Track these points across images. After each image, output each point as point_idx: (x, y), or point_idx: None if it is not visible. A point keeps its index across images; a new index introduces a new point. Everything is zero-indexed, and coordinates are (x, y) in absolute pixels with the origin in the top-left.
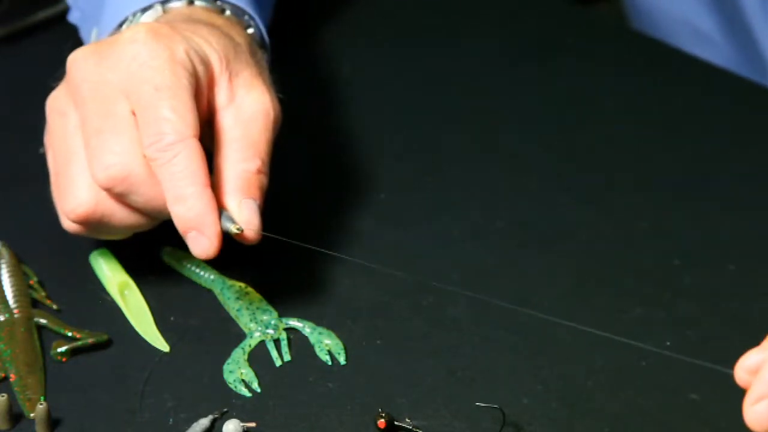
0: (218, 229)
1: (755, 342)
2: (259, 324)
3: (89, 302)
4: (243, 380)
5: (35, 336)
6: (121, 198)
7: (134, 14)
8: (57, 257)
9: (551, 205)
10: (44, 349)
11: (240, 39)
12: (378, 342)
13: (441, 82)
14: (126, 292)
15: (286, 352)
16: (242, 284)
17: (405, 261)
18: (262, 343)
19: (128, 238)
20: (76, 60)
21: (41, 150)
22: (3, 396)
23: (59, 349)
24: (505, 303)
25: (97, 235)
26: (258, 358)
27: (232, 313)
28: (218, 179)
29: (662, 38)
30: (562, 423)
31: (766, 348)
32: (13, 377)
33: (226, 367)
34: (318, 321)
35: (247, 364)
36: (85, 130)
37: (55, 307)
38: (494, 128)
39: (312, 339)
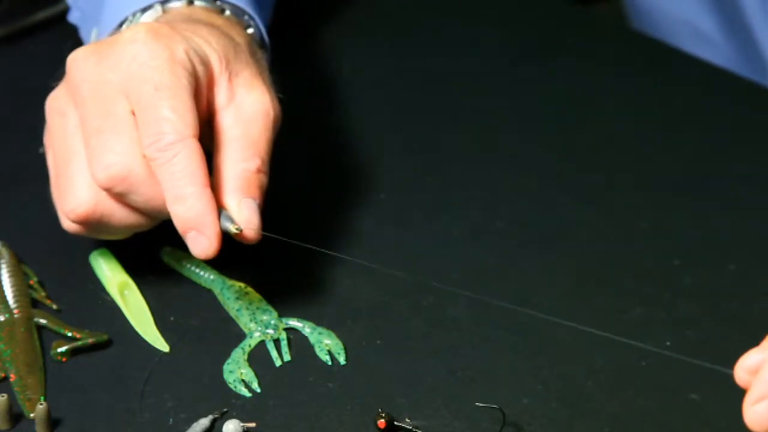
0: (218, 229)
1: (755, 342)
2: (259, 324)
3: (89, 302)
4: (243, 380)
5: (35, 336)
6: (120, 198)
7: (134, 14)
8: (57, 257)
9: (551, 205)
10: (44, 349)
11: (240, 39)
12: (378, 342)
13: (441, 82)
14: (126, 292)
15: (286, 352)
16: (242, 284)
17: (405, 261)
18: (262, 343)
19: (128, 238)
20: (75, 60)
21: (41, 150)
22: (3, 396)
23: (59, 349)
24: (505, 303)
25: (96, 235)
26: (258, 358)
27: (232, 313)
28: (218, 179)
29: (662, 38)
30: (562, 423)
31: (765, 348)
32: (13, 377)
33: (226, 367)
34: (318, 321)
35: (247, 364)
36: (84, 129)
37: (55, 307)
38: (494, 128)
39: (312, 339)
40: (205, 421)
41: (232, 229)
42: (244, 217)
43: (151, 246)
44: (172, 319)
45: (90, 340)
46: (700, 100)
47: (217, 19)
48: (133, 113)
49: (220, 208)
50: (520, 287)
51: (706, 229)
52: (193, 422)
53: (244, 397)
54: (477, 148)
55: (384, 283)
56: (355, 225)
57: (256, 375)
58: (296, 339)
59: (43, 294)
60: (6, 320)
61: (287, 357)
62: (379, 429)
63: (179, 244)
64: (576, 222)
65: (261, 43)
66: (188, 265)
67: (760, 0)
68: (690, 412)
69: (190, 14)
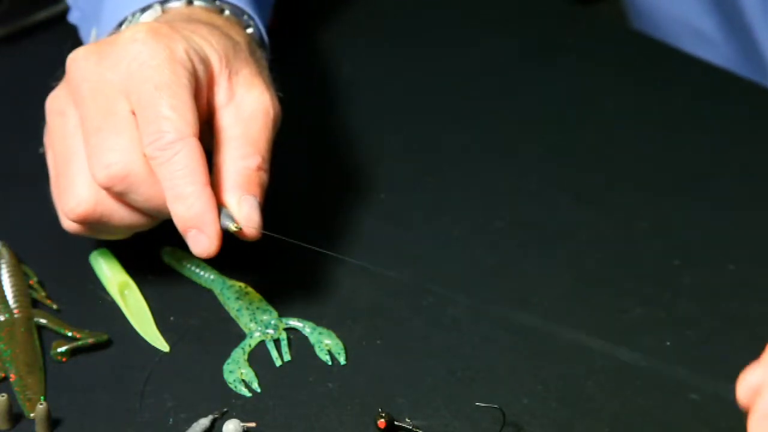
0: (218, 227)
1: (755, 342)
2: (259, 324)
3: (89, 302)
4: (243, 380)
5: (35, 336)
6: (120, 197)
7: (133, 14)
8: (57, 257)
9: (551, 205)
10: (44, 349)
11: (239, 38)
12: (378, 342)
13: (441, 82)
14: (126, 292)
15: (286, 352)
16: (242, 284)
17: (405, 261)
18: (262, 343)
19: (128, 238)
20: (75, 60)
21: (41, 150)
22: (3, 396)
23: (59, 349)
24: (499, 306)
25: (96, 235)
26: (258, 358)
27: (232, 313)
28: (218, 177)
29: (662, 38)
30: (562, 423)
31: (766, 363)
32: (13, 377)
33: (226, 367)
34: (318, 321)
35: (247, 364)
36: (84, 129)
37: (55, 307)
38: (494, 128)
39: (312, 339)
40: (205, 421)
41: (232, 227)
42: (244, 213)
43: (151, 246)
44: (172, 319)
45: (90, 340)
46: (700, 100)
47: (217, 19)
48: (133, 113)
49: (220, 206)
50: (520, 287)
51: (706, 229)
52: (193, 422)
53: (244, 397)
54: (477, 148)
55: (384, 283)
56: (355, 225)
57: (256, 375)
58: (296, 339)
59: (43, 294)
60: (6, 320)
61: (287, 357)
62: (379, 429)
63: (179, 244)
64: (576, 222)
65: (260, 43)
66: (188, 265)
67: (760, 0)
68: (690, 412)
69: (189, 14)
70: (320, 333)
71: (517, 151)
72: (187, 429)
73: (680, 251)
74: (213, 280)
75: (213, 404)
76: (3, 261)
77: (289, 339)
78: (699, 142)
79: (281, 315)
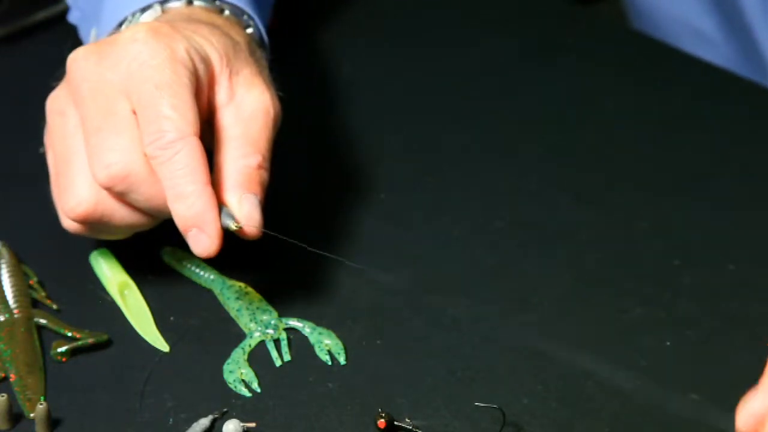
0: (219, 227)
1: (755, 342)
2: (259, 324)
3: (89, 302)
4: (243, 380)
5: (35, 336)
6: (121, 197)
7: (133, 14)
8: (57, 257)
9: (551, 205)
10: (44, 349)
11: (239, 38)
12: (378, 342)
13: (441, 82)
14: (126, 292)
15: (286, 352)
16: (242, 284)
17: (405, 261)
18: (262, 343)
19: (128, 238)
20: (76, 59)
21: (41, 150)
22: (3, 396)
23: (59, 349)
24: (500, 306)
25: (97, 235)
26: (258, 358)
27: (232, 313)
28: (219, 175)
29: (662, 38)
30: (562, 423)
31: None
32: (13, 377)
33: (226, 367)
34: (318, 321)
35: (247, 364)
36: (85, 129)
37: (55, 307)
38: (494, 128)
39: (312, 339)
40: (205, 421)
41: (233, 226)
42: (245, 212)
43: (151, 246)
44: (172, 319)
45: (90, 340)
46: (700, 100)
47: (217, 19)
48: (134, 113)
49: (220, 206)
50: (520, 287)
51: (706, 229)
52: (193, 422)
53: (244, 397)
54: (477, 148)
55: (384, 283)
56: (355, 225)
57: (256, 375)
58: (296, 339)
59: (43, 294)
60: (6, 320)
61: (287, 357)
62: (379, 429)
63: (179, 244)
64: (576, 222)
65: (260, 43)
66: (188, 265)
67: (760, 0)
68: (690, 412)
69: (189, 14)
70: (320, 333)
71: (517, 151)
72: (187, 429)
73: (680, 251)
74: (213, 280)
75: (213, 404)
76: (3, 261)
77: (289, 339)
78: (699, 142)
79: (281, 315)
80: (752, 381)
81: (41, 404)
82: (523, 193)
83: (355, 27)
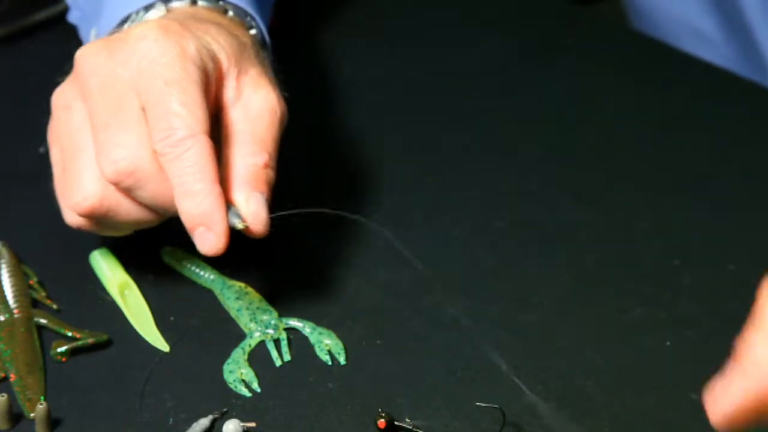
0: (226, 225)
1: None
2: (259, 324)
3: (89, 302)
4: (243, 380)
5: (35, 336)
6: (128, 193)
7: (137, 12)
8: (57, 257)
9: (551, 205)
10: (44, 349)
11: (245, 39)
12: (378, 342)
13: (441, 82)
14: (126, 292)
15: (286, 352)
16: (242, 284)
17: (405, 261)
18: (262, 343)
19: (128, 238)
20: (84, 55)
21: (41, 150)
22: (3, 396)
23: (59, 349)
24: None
25: (101, 231)
26: (258, 358)
27: (232, 313)
28: (225, 173)
29: (662, 38)
30: (562, 423)
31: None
32: (13, 377)
33: (226, 367)
34: (318, 321)
35: (247, 364)
36: (93, 124)
37: (55, 307)
38: (494, 128)
39: (312, 339)
40: (205, 421)
41: (239, 224)
42: (252, 210)
43: (151, 246)
44: (172, 319)
45: (90, 340)
46: (700, 100)
47: (222, 20)
48: (143, 109)
49: (227, 204)
50: (520, 287)
51: (706, 229)
52: (193, 422)
53: (244, 397)
54: (477, 148)
55: (384, 283)
56: (355, 225)
57: (256, 375)
58: (296, 339)
59: (43, 294)
60: (6, 320)
61: (287, 357)
62: (379, 429)
63: (179, 244)
64: (576, 222)
65: (263, 44)
66: (188, 265)
67: (760, 0)
68: (690, 412)
69: (194, 14)
70: (320, 333)
71: (517, 151)
72: (187, 429)
73: (680, 251)
74: (213, 280)
75: (213, 404)
76: (3, 261)
77: (289, 339)
78: (699, 142)
79: (281, 315)
80: None
81: (41, 404)
82: (523, 193)
83: (355, 27)
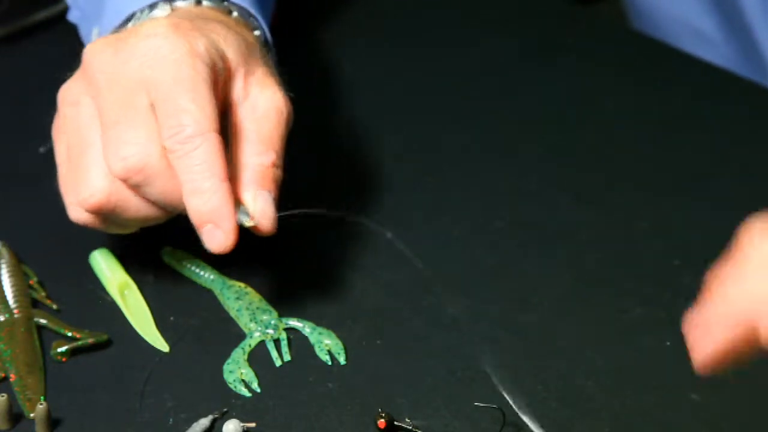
0: (234, 223)
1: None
2: (259, 324)
3: (89, 302)
4: (243, 380)
5: (35, 336)
6: (136, 189)
7: (142, 11)
8: (57, 257)
9: (551, 205)
10: (44, 349)
11: (250, 39)
12: (378, 342)
13: (441, 82)
14: (126, 292)
15: (286, 352)
16: (242, 284)
17: (405, 261)
18: (262, 343)
19: (128, 238)
20: (93, 51)
21: (41, 149)
22: (3, 396)
23: (59, 349)
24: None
25: (106, 228)
26: (258, 358)
27: (232, 313)
28: (233, 172)
29: (662, 38)
30: (562, 423)
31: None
32: (13, 377)
33: (226, 367)
34: (318, 321)
35: (247, 364)
36: (102, 120)
37: (55, 307)
38: (494, 128)
39: (312, 339)
40: (205, 421)
41: (247, 222)
42: (259, 208)
43: (151, 246)
44: (172, 319)
45: (90, 340)
46: (700, 100)
47: (227, 20)
48: (151, 106)
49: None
50: (520, 287)
51: (706, 229)
52: (193, 422)
53: (244, 397)
54: (477, 148)
55: (384, 283)
56: (355, 225)
57: (256, 375)
58: (296, 339)
59: (43, 294)
60: (6, 320)
61: (287, 357)
62: (379, 429)
63: (179, 244)
64: (576, 222)
65: (266, 45)
66: (188, 265)
67: (760, 0)
68: (690, 412)
69: (199, 13)
70: (320, 333)
71: (517, 151)
72: (187, 429)
73: (680, 251)
74: (213, 280)
75: (213, 404)
76: (3, 261)
77: (289, 339)
78: (699, 142)
79: (281, 315)
80: (752, 381)
81: (41, 404)
82: (523, 193)
83: (355, 27)
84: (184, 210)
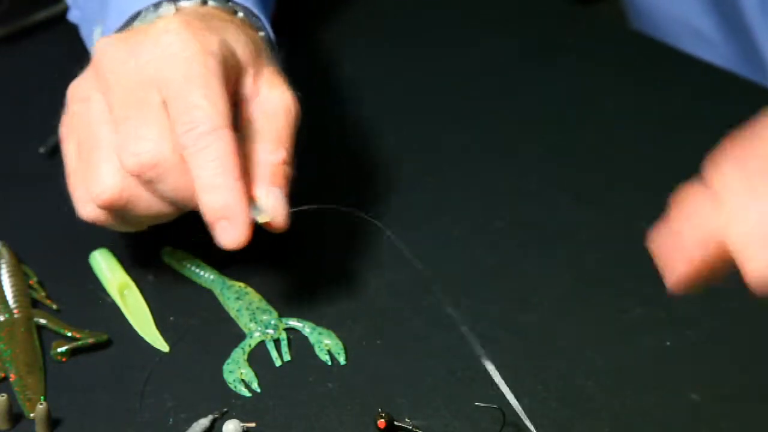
0: (248, 218)
1: (755, 342)
2: (259, 324)
3: (89, 302)
4: (243, 380)
5: (35, 336)
6: (148, 185)
7: (147, 10)
8: (57, 257)
9: (551, 205)
10: (44, 349)
11: (257, 39)
12: (378, 342)
13: (441, 82)
14: (126, 292)
15: (286, 352)
16: (242, 284)
17: (405, 261)
18: (262, 343)
19: (128, 238)
20: (104, 48)
21: (41, 149)
22: (3, 396)
23: (59, 349)
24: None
25: (116, 225)
26: (258, 358)
27: (232, 313)
28: (244, 169)
29: (662, 38)
30: (562, 423)
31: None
32: (13, 377)
33: (226, 367)
34: (318, 321)
35: (247, 364)
36: (114, 116)
37: (55, 307)
38: (494, 128)
39: (312, 339)
40: (205, 421)
41: (260, 218)
42: (271, 205)
43: (151, 246)
44: (172, 319)
45: (90, 340)
46: (700, 100)
47: (234, 20)
48: (163, 103)
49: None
50: (520, 287)
51: None
52: (193, 422)
53: (244, 397)
54: (477, 148)
55: (384, 283)
56: (355, 225)
57: (256, 375)
58: (296, 339)
59: (43, 294)
60: (6, 320)
61: (287, 357)
62: (379, 429)
63: (179, 244)
64: (576, 222)
65: (270, 45)
66: (188, 265)
67: (760, 0)
68: (690, 412)
69: (205, 13)
70: (320, 333)
71: (517, 151)
72: (187, 429)
73: None
74: (213, 280)
75: (213, 404)
76: (3, 261)
77: (289, 339)
78: (699, 142)
79: (281, 315)
80: (752, 381)
81: (41, 404)
82: (523, 193)
83: (355, 27)
84: (195, 207)
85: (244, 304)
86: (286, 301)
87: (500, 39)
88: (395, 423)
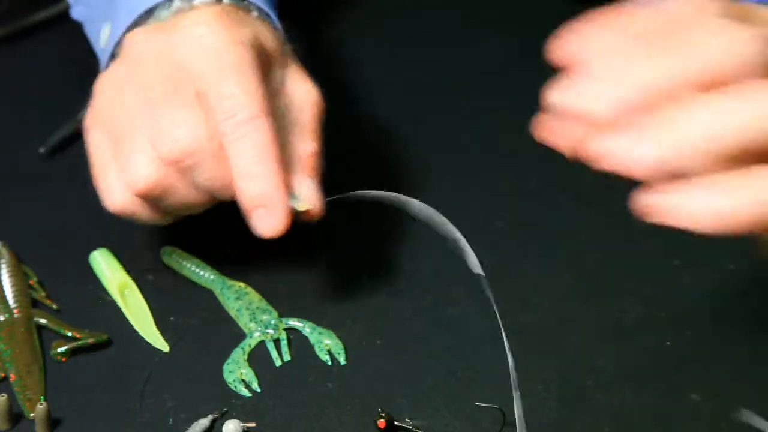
0: (287, 206)
1: (755, 342)
2: (259, 324)
3: (89, 302)
4: (243, 380)
5: (35, 336)
6: (184, 173)
7: (161, 6)
8: (57, 257)
9: (551, 205)
10: (44, 349)
11: (277, 35)
12: (378, 342)
13: (441, 82)
14: (126, 292)
15: (286, 352)
16: (242, 284)
17: (405, 260)
18: (262, 343)
19: (128, 238)
20: (136, 41)
21: (41, 149)
22: (3, 396)
23: (59, 349)
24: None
25: (145, 215)
26: (258, 358)
27: (232, 313)
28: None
29: None
30: (562, 423)
31: None
32: (13, 377)
33: (226, 367)
34: (318, 321)
35: (247, 364)
36: (149, 106)
37: (55, 307)
38: (494, 128)
39: (312, 339)
40: (205, 421)
41: (299, 206)
42: (306, 195)
43: (151, 246)
44: (172, 319)
45: (90, 340)
46: None
47: (252, 18)
48: (198, 95)
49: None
50: (520, 287)
51: None
52: (193, 422)
53: (244, 397)
54: (477, 148)
55: (384, 283)
56: (355, 225)
57: (256, 375)
58: (296, 339)
59: (43, 294)
60: (6, 320)
61: (287, 357)
62: (379, 429)
63: (179, 244)
64: (576, 222)
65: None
66: (188, 265)
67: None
68: (690, 412)
69: (229, 10)
70: (320, 333)
71: (517, 151)
72: (187, 429)
73: (680, 251)
74: (213, 280)
75: (213, 404)
76: (3, 261)
77: (289, 339)
78: None
79: (281, 315)
80: (752, 381)
81: (41, 404)
82: (523, 193)
83: (355, 27)
84: (230, 196)
85: (244, 304)
86: (286, 301)
87: (500, 39)
88: (395, 423)
